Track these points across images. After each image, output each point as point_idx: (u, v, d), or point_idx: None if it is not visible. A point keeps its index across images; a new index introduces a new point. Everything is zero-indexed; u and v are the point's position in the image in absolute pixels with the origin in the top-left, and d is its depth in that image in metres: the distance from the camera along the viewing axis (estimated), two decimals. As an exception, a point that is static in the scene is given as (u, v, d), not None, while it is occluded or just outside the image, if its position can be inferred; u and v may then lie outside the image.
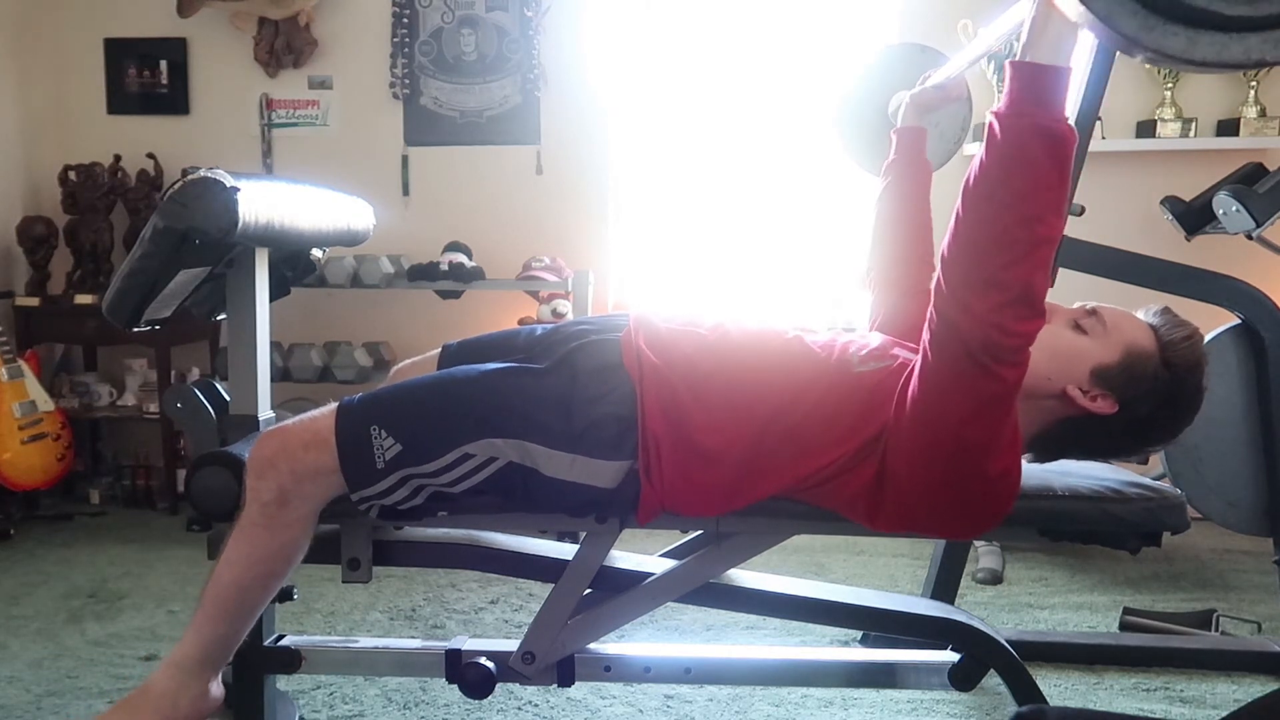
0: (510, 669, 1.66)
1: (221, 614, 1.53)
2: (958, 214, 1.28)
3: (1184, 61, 0.75)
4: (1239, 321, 2.48)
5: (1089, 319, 1.50)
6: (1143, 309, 1.54)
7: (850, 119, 2.12)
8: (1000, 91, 1.26)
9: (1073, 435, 1.50)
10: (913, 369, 1.40)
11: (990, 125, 1.25)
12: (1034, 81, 1.22)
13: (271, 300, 1.86)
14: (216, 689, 1.57)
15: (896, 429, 1.40)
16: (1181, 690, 2.29)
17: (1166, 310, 1.53)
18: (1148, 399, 1.46)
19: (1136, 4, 0.74)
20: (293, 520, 1.49)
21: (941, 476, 1.38)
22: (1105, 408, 1.46)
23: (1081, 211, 2.51)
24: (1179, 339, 1.48)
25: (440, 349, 1.83)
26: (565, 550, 1.72)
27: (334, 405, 1.54)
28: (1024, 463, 1.51)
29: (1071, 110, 2.38)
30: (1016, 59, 1.24)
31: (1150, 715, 2.18)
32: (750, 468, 1.46)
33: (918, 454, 1.39)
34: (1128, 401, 1.46)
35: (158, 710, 1.51)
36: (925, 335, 1.35)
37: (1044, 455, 1.55)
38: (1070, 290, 2.32)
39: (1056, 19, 1.17)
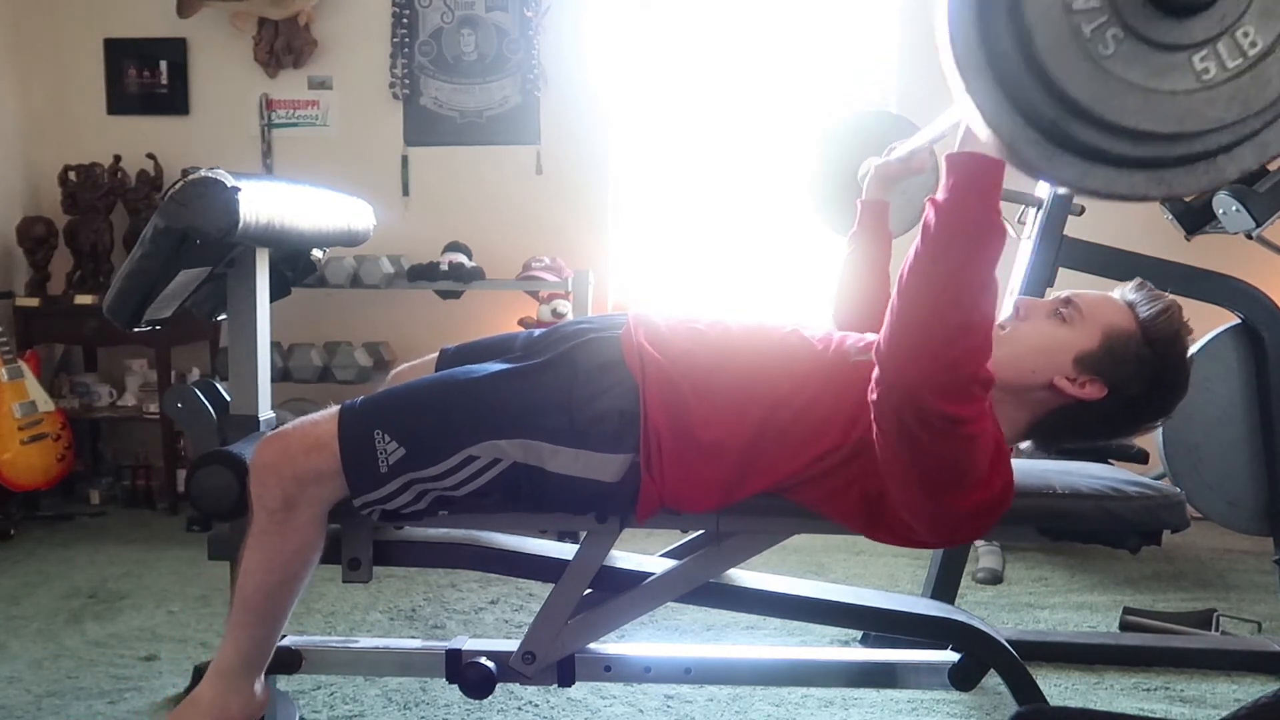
0: (510, 669, 1.66)
1: (252, 620, 1.55)
2: (892, 305, 1.29)
3: (1077, 189, 0.82)
4: (1239, 321, 2.48)
5: (1066, 308, 1.51)
6: (1118, 288, 1.54)
7: (820, 183, 2.14)
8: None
9: (1068, 423, 1.50)
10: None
11: (925, 217, 1.26)
12: (971, 174, 1.23)
13: (272, 300, 1.86)
14: (261, 689, 1.60)
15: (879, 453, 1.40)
16: (1181, 690, 2.29)
17: (1141, 284, 1.54)
18: (1135, 378, 1.47)
19: (1038, 134, 0.79)
20: (302, 524, 1.50)
21: (930, 512, 1.39)
22: (1094, 393, 1.47)
23: (1081, 211, 2.52)
24: (1156, 314, 1.48)
25: (438, 353, 1.83)
26: (565, 550, 1.72)
27: (335, 409, 1.54)
28: (1024, 462, 1.52)
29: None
30: (955, 151, 1.26)
31: (1150, 715, 2.18)
32: (751, 460, 1.47)
33: (899, 496, 1.40)
34: (1116, 383, 1.47)
35: (209, 716, 1.54)
36: (873, 412, 1.35)
37: (1044, 444, 1.56)
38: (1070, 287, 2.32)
39: None
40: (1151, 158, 0.80)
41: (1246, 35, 0.77)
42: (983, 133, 0.85)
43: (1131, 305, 1.51)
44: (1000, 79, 0.78)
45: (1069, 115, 0.78)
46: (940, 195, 1.25)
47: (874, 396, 1.33)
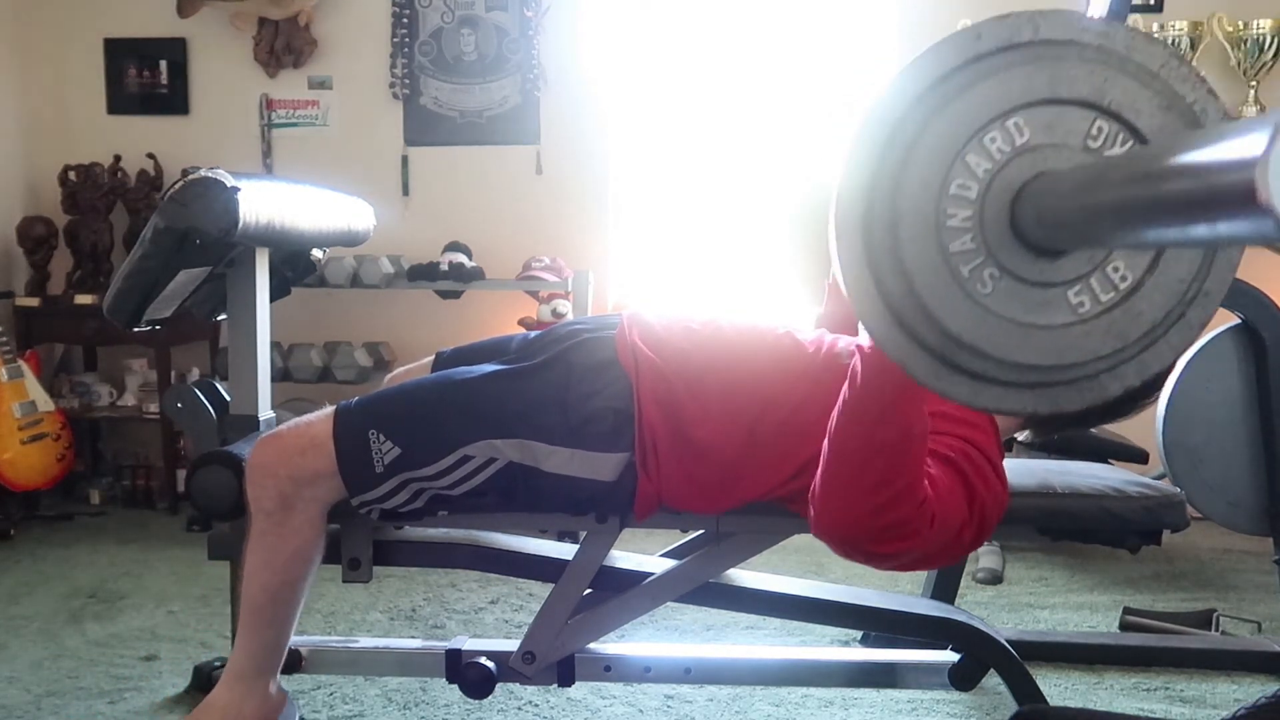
0: (510, 669, 1.66)
1: (260, 622, 1.55)
2: (825, 449, 1.28)
3: (967, 405, 0.87)
4: (1239, 321, 2.48)
5: None
6: None
7: (798, 229, 2.14)
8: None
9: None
10: None
11: (853, 366, 1.22)
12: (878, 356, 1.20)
13: (272, 300, 1.86)
14: (276, 690, 1.60)
15: None
16: (1181, 690, 2.29)
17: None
18: None
19: (927, 355, 0.84)
20: (300, 524, 1.50)
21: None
22: None
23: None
24: None
25: (433, 356, 1.84)
26: (565, 550, 1.72)
27: (330, 409, 1.54)
28: (1024, 462, 1.51)
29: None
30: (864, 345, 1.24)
31: (1150, 715, 2.18)
32: (744, 460, 1.47)
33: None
34: None
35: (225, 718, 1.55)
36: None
37: (1041, 432, 1.56)
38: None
39: None
40: (1037, 381, 0.85)
41: (1117, 270, 0.82)
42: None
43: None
44: (889, 309, 0.83)
45: (954, 347, 0.83)
46: (856, 371, 1.22)
47: (811, 525, 1.33)
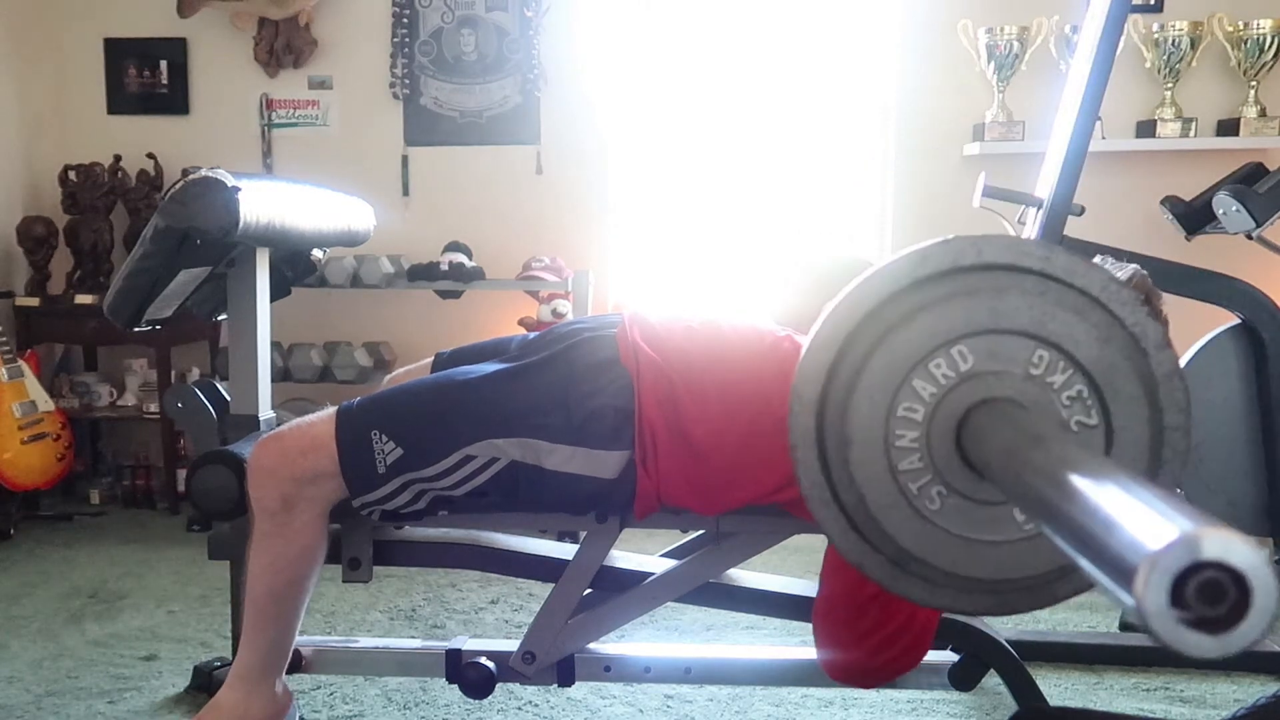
0: (510, 669, 1.66)
1: (265, 623, 1.56)
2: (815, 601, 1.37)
3: (923, 604, 0.92)
4: (1239, 321, 2.48)
5: None
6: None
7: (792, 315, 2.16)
8: None
9: None
10: None
11: None
12: None
13: (272, 300, 1.86)
14: (282, 690, 1.61)
15: None
16: (1181, 690, 2.29)
17: (1103, 259, 1.57)
18: None
19: (884, 559, 0.87)
20: (302, 525, 1.50)
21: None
22: None
23: (1081, 211, 2.51)
24: (1125, 280, 1.51)
25: (433, 358, 1.84)
26: (565, 550, 1.72)
27: (331, 410, 1.54)
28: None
29: (1071, 111, 2.38)
30: None
31: (1150, 715, 2.18)
32: (743, 460, 1.47)
33: None
34: None
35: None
36: None
37: None
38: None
39: None
40: (989, 588, 0.88)
41: None
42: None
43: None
44: (846, 516, 0.87)
45: (906, 558, 0.86)
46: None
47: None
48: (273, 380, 1.88)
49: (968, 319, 0.82)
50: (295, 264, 2.05)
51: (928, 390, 0.83)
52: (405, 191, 4.01)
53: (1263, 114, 3.59)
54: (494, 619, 2.74)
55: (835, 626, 1.29)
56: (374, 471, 1.48)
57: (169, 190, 1.56)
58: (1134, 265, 1.55)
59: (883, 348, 0.83)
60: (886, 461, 0.84)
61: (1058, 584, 0.88)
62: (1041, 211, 2.54)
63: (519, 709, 2.18)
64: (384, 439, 1.48)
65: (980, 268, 0.84)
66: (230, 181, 1.54)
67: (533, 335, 1.73)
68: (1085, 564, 0.60)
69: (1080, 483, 0.62)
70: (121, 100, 4.06)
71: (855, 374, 0.84)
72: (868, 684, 1.35)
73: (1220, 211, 2.88)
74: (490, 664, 1.66)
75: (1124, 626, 2.63)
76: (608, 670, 1.70)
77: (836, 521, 0.87)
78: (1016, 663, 1.68)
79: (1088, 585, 0.86)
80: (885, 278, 0.85)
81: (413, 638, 2.60)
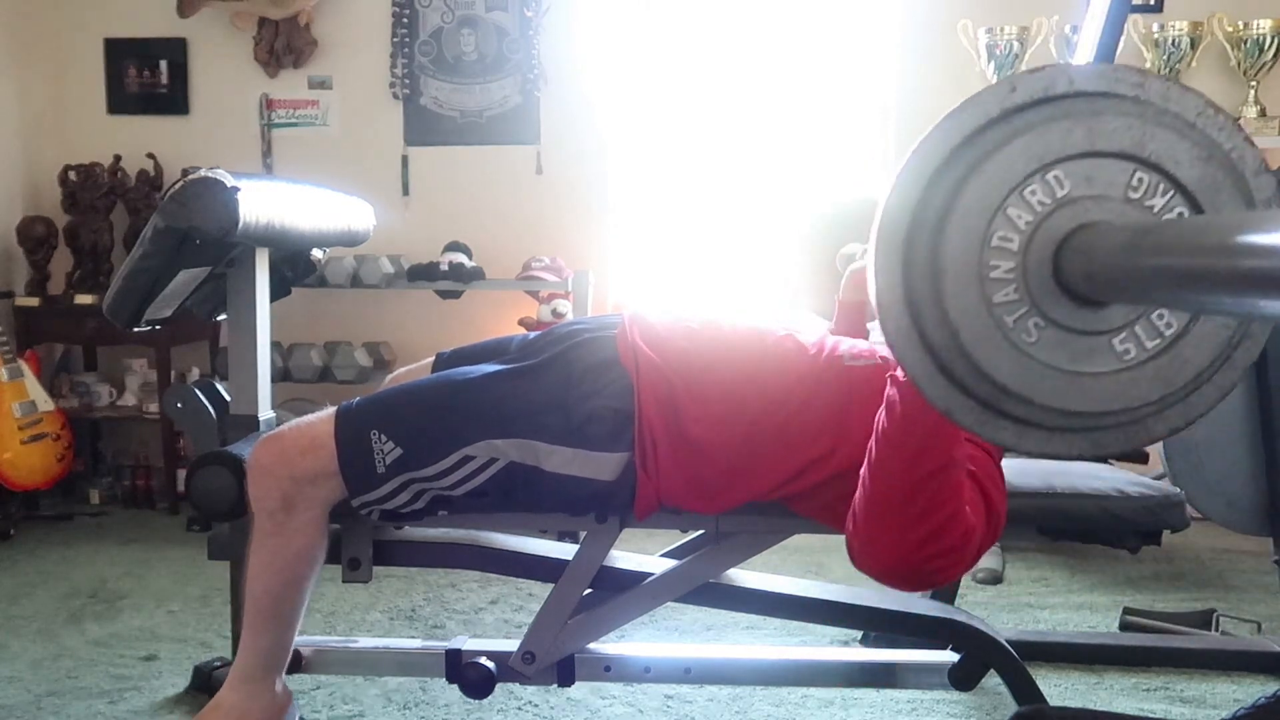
0: (510, 669, 1.66)
1: (265, 623, 1.56)
2: (864, 482, 1.28)
3: (1011, 449, 0.89)
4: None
5: None
6: None
7: (803, 261, 2.16)
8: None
9: None
10: None
11: (889, 395, 1.23)
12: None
13: (272, 300, 1.86)
14: (282, 689, 1.60)
15: None
16: (1181, 690, 2.29)
17: None
18: None
19: (973, 403, 0.85)
20: (302, 524, 1.50)
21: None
22: None
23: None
24: None
25: (433, 358, 1.84)
26: (565, 550, 1.72)
27: (331, 410, 1.54)
28: (1024, 462, 1.51)
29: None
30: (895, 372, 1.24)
31: (1150, 715, 2.18)
32: (741, 460, 1.47)
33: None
34: None
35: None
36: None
37: None
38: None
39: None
40: (1083, 426, 0.86)
41: (1162, 318, 0.83)
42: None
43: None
44: (933, 358, 0.85)
45: (1000, 395, 0.84)
46: (892, 399, 1.24)
47: (851, 557, 1.33)
48: (273, 380, 1.88)
49: (1064, 142, 0.80)
50: (295, 264, 2.05)
51: (1023, 218, 0.81)
52: (405, 191, 4.01)
53: (1263, 114, 3.59)
54: (494, 619, 2.74)
55: (879, 517, 1.25)
56: (373, 471, 1.48)
57: (169, 190, 1.56)
58: None
59: (975, 177, 0.81)
60: (981, 293, 0.81)
61: (1153, 420, 0.86)
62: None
63: (519, 709, 2.18)
64: (383, 439, 1.48)
65: (1073, 95, 0.82)
66: (230, 181, 1.54)
67: (533, 335, 1.73)
68: (1257, 307, 0.58)
69: (1230, 235, 0.60)
70: (121, 100, 4.06)
71: (946, 206, 0.81)
72: (908, 585, 1.30)
73: (1220, 211, 2.87)
74: (490, 664, 1.66)
75: (1124, 626, 2.63)
76: (608, 670, 1.70)
77: (923, 365, 0.84)
78: (1016, 663, 1.68)
79: (1182, 421, 0.87)
80: (974, 109, 0.82)
81: (413, 638, 2.60)
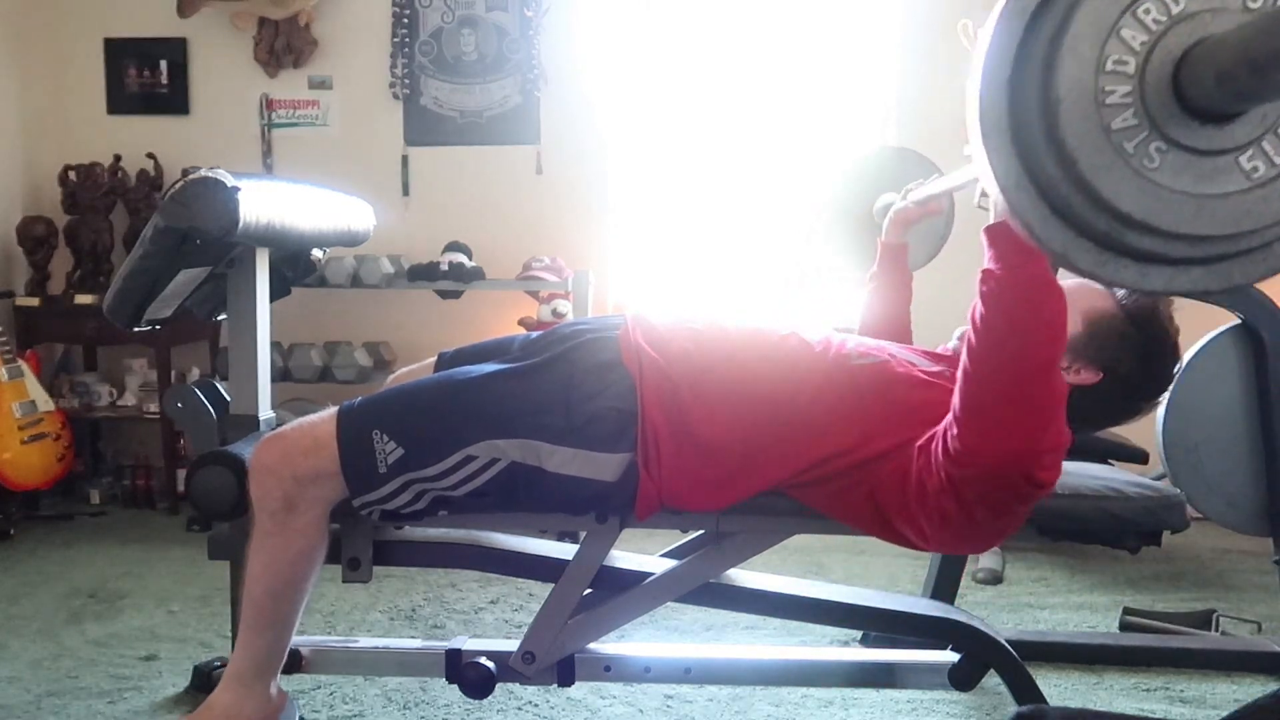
0: (510, 669, 1.66)
1: (262, 624, 1.55)
2: (966, 372, 1.28)
3: (1134, 289, 0.85)
4: (1239, 322, 2.48)
5: None
6: None
7: (837, 218, 2.17)
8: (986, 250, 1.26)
9: (1070, 411, 1.50)
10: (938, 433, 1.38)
11: (986, 286, 1.24)
12: (1019, 246, 1.21)
13: (272, 300, 1.86)
14: (276, 691, 1.60)
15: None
16: (1181, 690, 2.29)
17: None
18: (1125, 356, 1.49)
19: (1090, 244, 0.82)
20: (303, 525, 1.50)
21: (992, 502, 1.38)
22: (1089, 378, 1.49)
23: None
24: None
25: (435, 358, 1.84)
26: (565, 550, 1.72)
27: (333, 410, 1.54)
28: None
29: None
30: (990, 224, 1.26)
31: (1150, 715, 2.18)
32: (749, 459, 1.47)
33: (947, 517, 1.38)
34: (1107, 365, 1.49)
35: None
36: (941, 481, 1.34)
37: None
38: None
39: None
40: (1208, 255, 0.82)
41: None
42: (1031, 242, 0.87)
43: (1102, 292, 1.53)
44: (1046, 199, 0.81)
45: (1123, 227, 0.80)
46: (991, 264, 1.25)
47: (952, 470, 1.31)
48: (273, 380, 1.88)
49: None
50: (295, 264, 2.05)
51: (1138, 39, 0.78)
52: (405, 191, 4.01)
53: (1263, 114, 3.58)
54: (494, 619, 2.74)
55: (997, 400, 1.25)
56: (375, 471, 1.48)
57: (169, 190, 1.55)
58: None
59: (1082, 5, 0.78)
60: (1099, 120, 0.78)
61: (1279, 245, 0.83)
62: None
63: (519, 709, 2.18)
64: (385, 439, 1.48)
65: None
66: (230, 181, 1.54)
67: (535, 335, 1.73)
68: None
69: None
70: (121, 100, 4.07)
71: (1055, 36, 0.79)
72: (1013, 493, 1.26)
73: (1220, 211, 2.87)
74: (490, 664, 1.66)
75: (1124, 627, 2.63)
76: (608, 670, 1.70)
77: (1036, 208, 0.81)
78: (1016, 663, 1.68)
79: None
80: None
81: (413, 638, 2.60)
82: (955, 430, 1.30)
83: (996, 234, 1.25)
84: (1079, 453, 2.07)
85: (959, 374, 1.29)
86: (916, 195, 1.92)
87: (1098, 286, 1.52)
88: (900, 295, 1.98)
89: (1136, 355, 1.50)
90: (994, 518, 1.33)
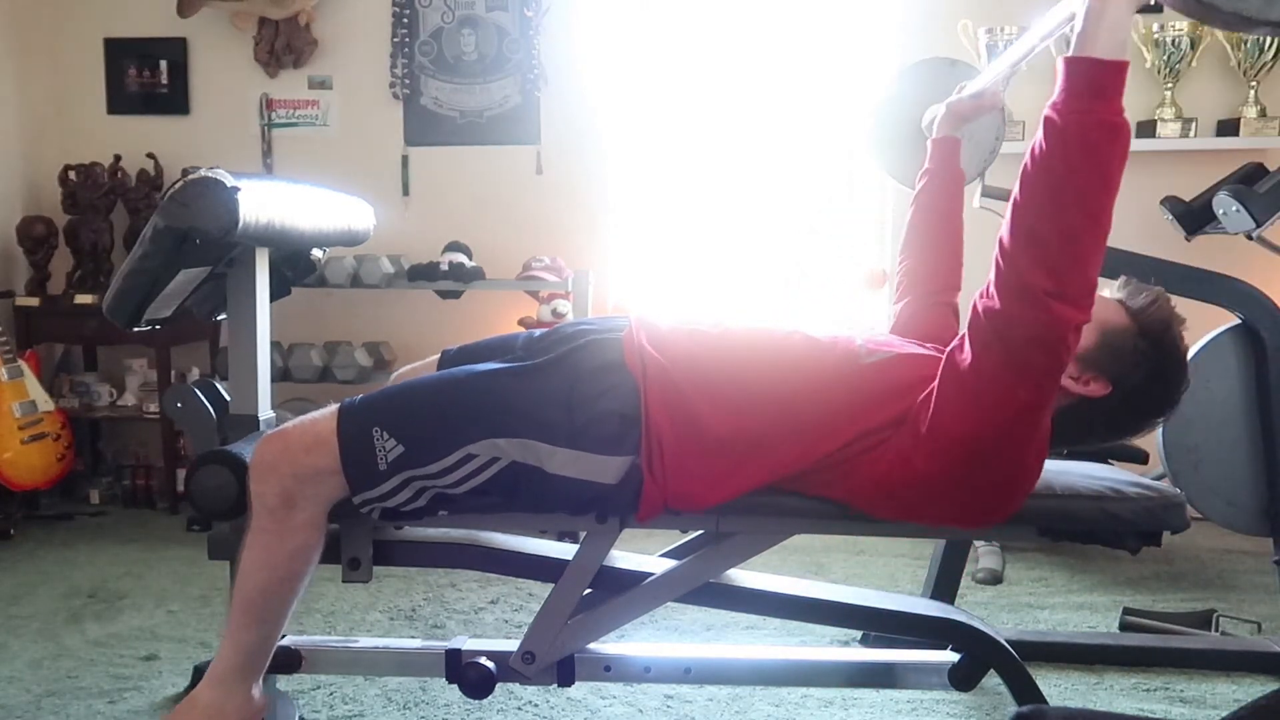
0: (510, 669, 1.66)
1: (251, 621, 1.55)
2: (1017, 203, 1.29)
3: (1262, 24, 0.83)
4: (1239, 321, 2.48)
5: None
6: (1106, 287, 1.56)
7: (883, 131, 2.16)
8: (1059, 85, 1.27)
9: (1077, 423, 1.52)
10: (946, 362, 1.42)
11: (1049, 119, 1.26)
12: (1093, 76, 1.24)
13: (272, 300, 1.86)
14: (259, 693, 1.59)
15: (931, 421, 1.42)
16: (1181, 690, 2.29)
17: (1127, 280, 1.57)
18: (1135, 370, 1.50)
19: None
20: (301, 523, 1.50)
21: (978, 464, 1.41)
22: (1098, 390, 1.49)
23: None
24: (1146, 305, 1.52)
25: (439, 355, 1.84)
26: (565, 550, 1.72)
27: (334, 407, 1.54)
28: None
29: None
30: (1071, 54, 1.26)
31: (1150, 715, 2.18)
32: (754, 449, 1.48)
33: (955, 445, 1.40)
34: (1117, 378, 1.49)
35: (205, 719, 1.54)
36: (970, 332, 1.37)
37: (1055, 445, 1.58)
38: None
39: (1113, 9, 1.22)
40: None
41: None
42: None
43: (1121, 301, 1.54)
44: None
45: None
46: (1059, 99, 1.25)
47: (990, 303, 1.33)
48: (273, 380, 1.88)
49: None
50: (295, 264, 2.05)
51: None
52: (405, 191, 4.01)
53: (1263, 114, 3.59)
54: (494, 619, 2.74)
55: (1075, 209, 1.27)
56: (375, 468, 1.48)
57: (169, 190, 1.55)
58: (1158, 288, 1.54)
59: None
60: None
61: None
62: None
63: (519, 709, 2.18)
64: (385, 436, 1.48)
65: None
66: (230, 181, 1.54)
67: (538, 334, 1.73)
68: None
69: None
70: (121, 100, 4.07)
71: None
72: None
73: (1220, 212, 2.88)
74: (490, 664, 1.66)
75: (1124, 627, 2.63)
76: (608, 670, 1.70)
77: None
78: (1016, 663, 1.68)
79: None
80: None
81: (413, 638, 2.60)
82: (1003, 267, 1.31)
83: (1074, 66, 1.25)
84: (1079, 452, 2.07)
85: (1009, 208, 1.30)
86: (971, 89, 1.92)
87: (1114, 301, 1.53)
88: (953, 195, 1.94)
89: (1147, 370, 1.50)
90: (1045, 356, 1.32)
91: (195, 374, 3.96)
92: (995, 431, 1.38)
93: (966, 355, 1.38)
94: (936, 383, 1.43)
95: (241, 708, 1.55)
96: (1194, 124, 3.62)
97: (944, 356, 1.43)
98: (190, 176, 1.55)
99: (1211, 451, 2.46)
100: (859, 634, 2.45)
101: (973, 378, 1.37)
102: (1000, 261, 1.31)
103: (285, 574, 1.52)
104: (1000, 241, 1.32)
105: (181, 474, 3.72)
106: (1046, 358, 1.33)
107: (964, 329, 1.40)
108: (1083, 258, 1.28)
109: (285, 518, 1.49)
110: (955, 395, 1.40)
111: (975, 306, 1.36)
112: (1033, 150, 1.28)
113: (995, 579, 3.04)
